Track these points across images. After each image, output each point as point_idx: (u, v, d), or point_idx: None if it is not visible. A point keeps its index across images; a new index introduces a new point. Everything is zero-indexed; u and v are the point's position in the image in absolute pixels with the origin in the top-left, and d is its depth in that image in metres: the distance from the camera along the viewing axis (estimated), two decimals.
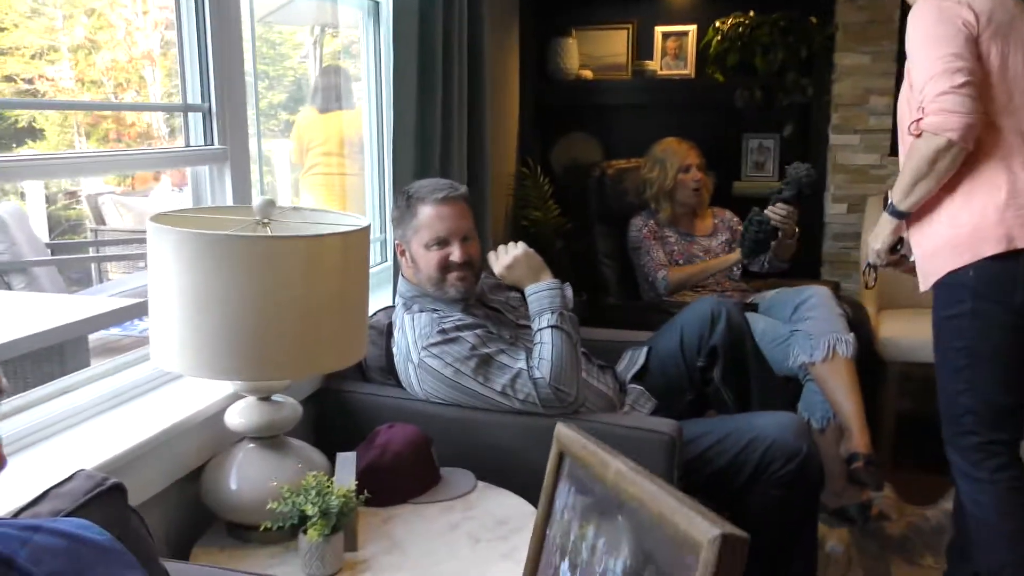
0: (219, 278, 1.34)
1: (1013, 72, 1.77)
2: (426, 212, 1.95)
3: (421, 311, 1.96)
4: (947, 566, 2.08)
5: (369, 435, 1.81)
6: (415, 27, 2.36)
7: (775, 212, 2.73)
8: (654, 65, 3.85)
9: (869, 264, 2.07)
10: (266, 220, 1.52)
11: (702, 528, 0.56)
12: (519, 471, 1.84)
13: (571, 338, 1.90)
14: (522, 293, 2.14)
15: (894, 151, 3.51)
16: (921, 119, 1.72)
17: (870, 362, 2.81)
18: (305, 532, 1.44)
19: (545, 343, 1.88)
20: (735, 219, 3.17)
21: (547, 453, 1.86)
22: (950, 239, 1.78)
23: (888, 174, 3.50)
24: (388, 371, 2.04)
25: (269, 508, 1.44)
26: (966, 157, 1.73)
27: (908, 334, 2.96)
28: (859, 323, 2.80)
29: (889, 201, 1.89)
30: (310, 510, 1.42)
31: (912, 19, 1.81)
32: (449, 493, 1.76)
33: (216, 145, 1.88)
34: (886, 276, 3.22)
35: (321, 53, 4.05)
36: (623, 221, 3.18)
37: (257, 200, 1.52)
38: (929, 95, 1.70)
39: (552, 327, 1.90)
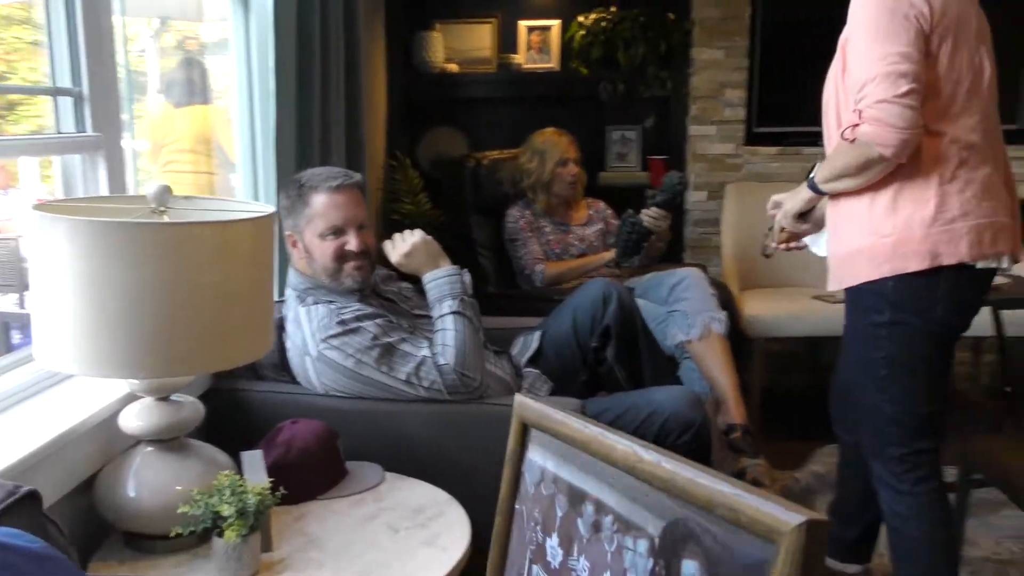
0: (123, 269, 1.26)
1: (957, 75, 1.65)
2: (320, 201, 1.90)
3: (316, 303, 1.91)
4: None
5: (270, 433, 1.74)
6: (294, 17, 2.29)
7: (649, 215, 2.84)
8: (519, 58, 3.90)
9: (770, 229, 2.00)
10: (162, 208, 1.44)
11: (781, 514, 0.55)
12: (427, 459, 1.83)
13: (473, 324, 1.90)
14: (412, 282, 2.13)
15: (748, 141, 3.73)
16: (857, 125, 1.61)
17: (736, 339, 2.97)
18: (220, 534, 1.37)
19: (448, 329, 1.88)
20: (608, 210, 3.26)
21: (454, 439, 1.86)
22: (870, 247, 1.70)
23: (743, 163, 3.70)
24: (281, 367, 1.98)
25: (180, 511, 1.36)
26: None
27: (769, 312, 3.15)
28: (726, 302, 2.95)
29: (812, 174, 1.79)
30: (226, 510, 1.35)
31: (861, 2, 1.66)
32: (358, 486, 1.73)
33: (89, 132, 1.76)
34: (743, 258, 3.42)
35: (159, 47, 3.86)
36: (499, 211, 3.21)
37: (152, 187, 1.43)
38: (869, 99, 1.58)
39: (454, 313, 1.89)
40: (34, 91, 1.77)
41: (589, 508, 0.73)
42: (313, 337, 1.85)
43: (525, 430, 0.84)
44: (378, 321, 1.87)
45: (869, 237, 1.70)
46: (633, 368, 2.17)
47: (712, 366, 2.63)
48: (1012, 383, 3.16)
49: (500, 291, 3.16)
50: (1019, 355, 3.15)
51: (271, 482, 1.45)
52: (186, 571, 1.44)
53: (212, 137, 2.97)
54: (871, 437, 1.82)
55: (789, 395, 3.59)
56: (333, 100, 2.54)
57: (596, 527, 0.72)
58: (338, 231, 1.90)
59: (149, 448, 1.50)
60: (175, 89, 3.04)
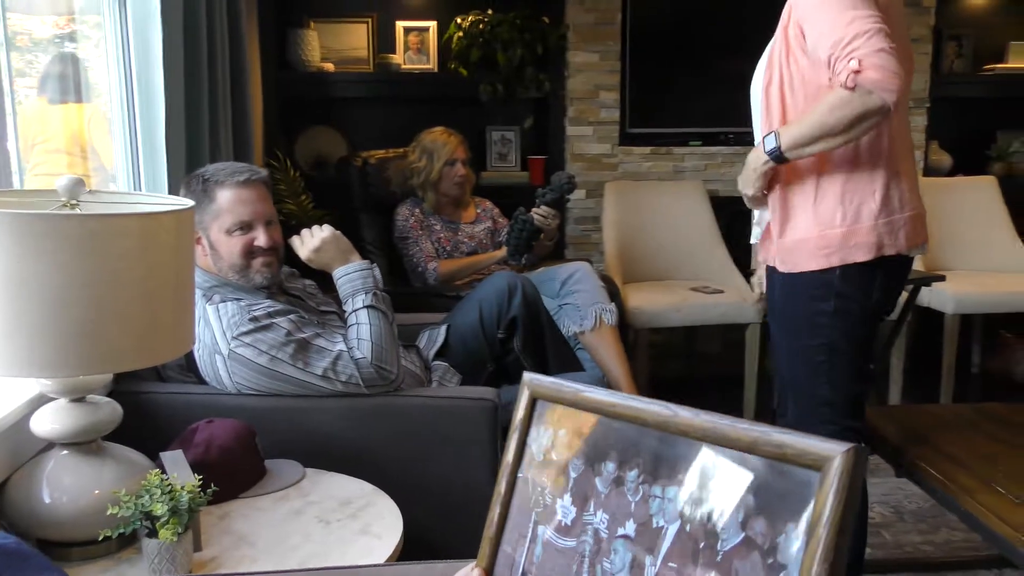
0: (44, 264, 1.20)
1: (901, 62, 1.59)
2: (226, 196, 1.86)
3: (224, 301, 1.86)
4: None
5: (183, 433, 1.69)
6: (180, 11, 2.23)
7: (539, 214, 2.91)
8: (398, 59, 3.91)
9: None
10: (74, 201, 1.37)
11: (826, 444, 0.61)
12: (344, 454, 1.83)
13: (387, 317, 1.91)
14: (314, 279, 2.12)
15: (623, 141, 3.89)
16: (860, 71, 1.54)
17: (622, 330, 3.10)
18: (151, 535, 1.33)
19: (362, 323, 1.88)
20: (496, 209, 3.33)
21: (370, 432, 1.87)
22: (819, 238, 1.73)
23: (619, 162, 3.86)
24: (187, 368, 1.92)
25: (110, 513, 1.31)
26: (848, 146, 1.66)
27: (650, 304, 3.29)
28: (612, 295, 3.07)
29: (775, 143, 1.69)
30: (159, 509, 1.31)
31: None
32: (279, 484, 1.70)
33: None
34: (624, 253, 3.56)
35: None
36: (388, 210, 3.21)
37: (63, 180, 1.37)
38: (866, 49, 1.54)
39: (368, 307, 1.90)
40: None
41: (609, 467, 0.76)
42: (224, 335, 1.81)
43: (534, 403, 0.87)
44: (291, 317, 1.84)
45: (817, 228, 1.73)
46: (539, 357, 2.24)
47: (605, 356, 2.73)
48: (872, 361, 3.45)
49: (392, 289, 3.15)
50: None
51: (200, 479, 1.41)
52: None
53: (87, 138, 2.81)
54: (802, 418, 1.85)
55: (669, 382, 3.77)
56: (220, 98, 2.48)
57: (618, 482, 0.75)
58: (246, 227, 1.87)
59: (64, 452, 1.43)
60: (49, 84, 2.86)
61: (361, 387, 1.83)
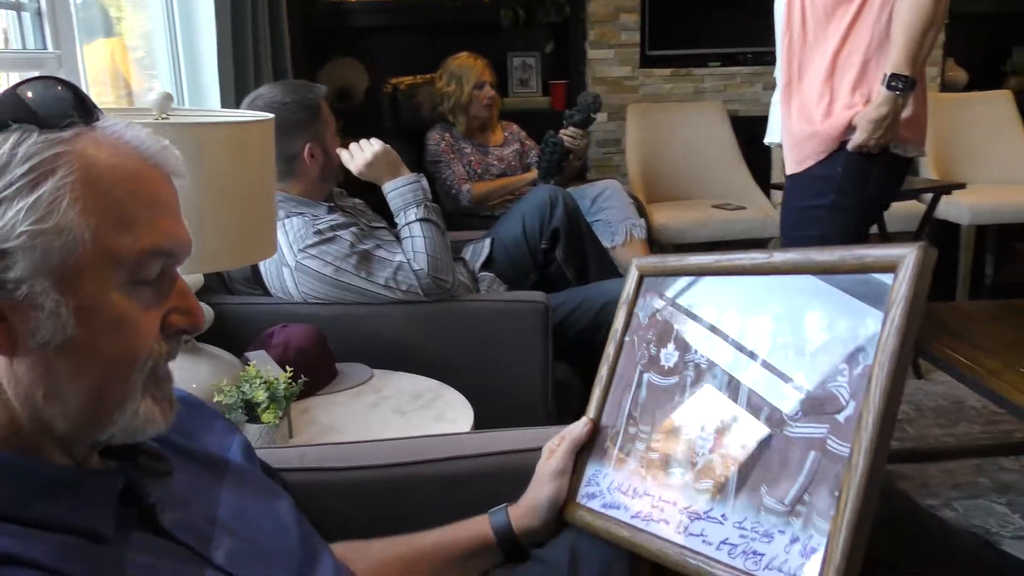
0: None
1: None
2: (326, 108, 2.00)
3: (288, 216, 1.96)
4: None
5: (260, 337, 1.81)
6: None
7: (568, 135, 2.98)
8: None
9: None
10: (165, 115, 1.47)
11: (901, 249, 0.71)
12: (407, 355, 1.95)
13: (439, 227, 2.01)
14: (360, 197, 2.22)
15: (644, 63, 3.94)
16: None
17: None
18: (254, 420, 1.45)
19: (416, 236, 1.97)
20: (522, 132, 3.40)
21: (429, 335, 1.99)
22: (822, 130, 1.89)
23: (640, 84, 3.91)
24: (253, 281, 2.03)
25: (216, 401, 1.44)
26: (844, 42, 1.82)
27: (675, 221, 3.39)
28: (640, 212, 3.17)
29: (899, 75, 1.79)
30: (260, 396, 1.44)
31: None
32: (351, 382, 1.82)
33: (50, 50, 1.74)
34: (647, 173, 3.65)
35: None
36: (419, 136, 3.29)
37: (153, 95, 1.46)
38: None
39: (420, 220, 1.99)
40: None
41: (709, 313, 0.88)
42: (291, 248, 1.91)
43: (641, 280, 0.98)
44: (352, 230, 1.95)
45: (824, 120, 1.89)
46: (580, 266, 2.35)
47: None
48: None
49: None
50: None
51: (291, 371, 1.53)
52: None
53: (120, 72, 2.89)
54: None
55: None
56: (261, 30, 2.55)
57: (713, 328, 0.87)
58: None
59: None
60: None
61: (420, 295, 1.94)
